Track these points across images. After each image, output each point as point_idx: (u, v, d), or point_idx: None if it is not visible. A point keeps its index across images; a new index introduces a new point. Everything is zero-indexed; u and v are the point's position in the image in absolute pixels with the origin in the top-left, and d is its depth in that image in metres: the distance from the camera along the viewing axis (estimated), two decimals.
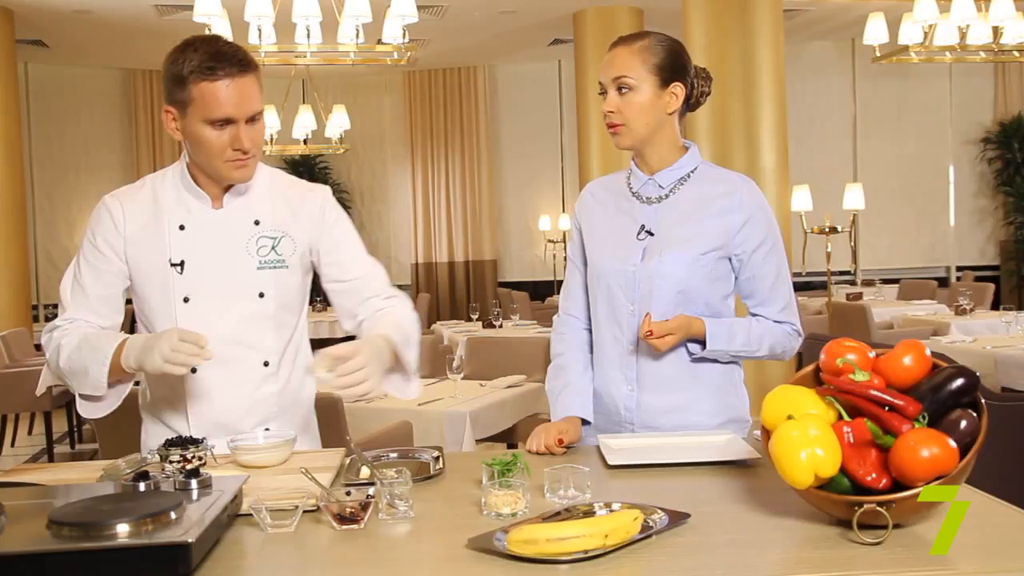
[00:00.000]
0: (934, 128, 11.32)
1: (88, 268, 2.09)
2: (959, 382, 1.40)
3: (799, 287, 9.64)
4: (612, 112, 2.08)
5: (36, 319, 9.42)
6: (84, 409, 2.06)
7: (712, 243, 2.08)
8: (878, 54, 7.51)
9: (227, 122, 1.93)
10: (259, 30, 6.13)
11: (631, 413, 2.13)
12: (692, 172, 2.15)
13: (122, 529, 1.25)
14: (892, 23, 7.38)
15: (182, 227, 2.05)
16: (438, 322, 9.17)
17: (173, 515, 1.32)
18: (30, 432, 7.65)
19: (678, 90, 2.10)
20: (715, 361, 2.13)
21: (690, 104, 2.15)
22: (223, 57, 1.91)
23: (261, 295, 2.06)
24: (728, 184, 2.13)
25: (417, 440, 4.19)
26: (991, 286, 8.76)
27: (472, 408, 4.20)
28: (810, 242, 9.67)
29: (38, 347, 7.80)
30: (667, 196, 2.13)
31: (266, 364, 2.08)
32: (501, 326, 7.51)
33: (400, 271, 12.30)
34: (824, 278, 8.33)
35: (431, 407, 4.27)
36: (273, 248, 2.08)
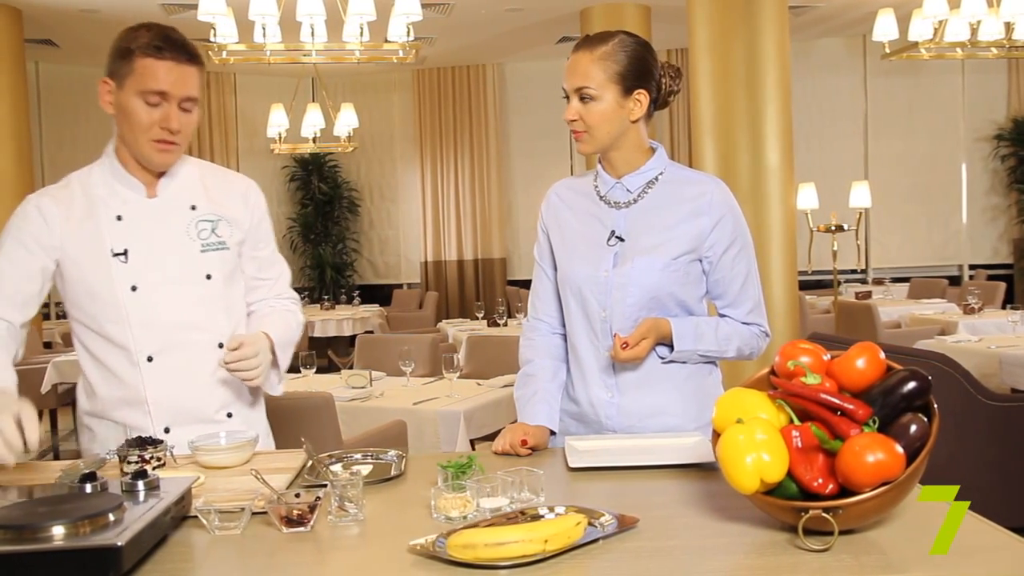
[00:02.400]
0: (946, 125, 11.21)
1: (8, 263, 2.04)
2: (911, 385, 1.37)
3: (806, 285, 9.61)
4: (574, 120, 2.04)
5: (47, 316, 9.49)
6: None
7: (684, 247, 2.06)
8: (888, 51, 7.44)
9: (161, 98, 1.98)
10: (263, 28, 6.14)
11: (612, 421, 2.10)
12: (660, 175, 2.11)
13: (55, 532, 1.24)
14: (902, 19, 7.32)
15: (119, 217, 2.08)
16: (444, 320, 9.17)
17: (112, 517, 1.31)
18: None
19: (642, 97, 2.05)
20: (684, 362, 2.10)
21: (657, 104, 2.11)
22: (172, 43, 1.98)
23: (208, 277, 2.10)
24: (697, 186, 2.10)
25: (412, 439, 4.19)
26: (1002, 285, 8.66)
27: (467, 407, 4.19)
28: (818, 240, 9.62)
29: (46, 345, 7.88)
30: (636, 200, 2.10)
31: (221, 346, 2.10)
32: (506, 324, 7.49)
33: (409, 269, 12.31)
34: (834, 276, 8.28)
35: (426, 406, 4.26)
36: (213, 231, 2.14)
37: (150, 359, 2.05)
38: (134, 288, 2.04)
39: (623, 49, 2.02)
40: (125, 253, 2.05)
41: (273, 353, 2.13)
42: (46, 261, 2.06)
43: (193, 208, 2.13)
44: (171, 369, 2.06)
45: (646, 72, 2.05)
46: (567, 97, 2.05)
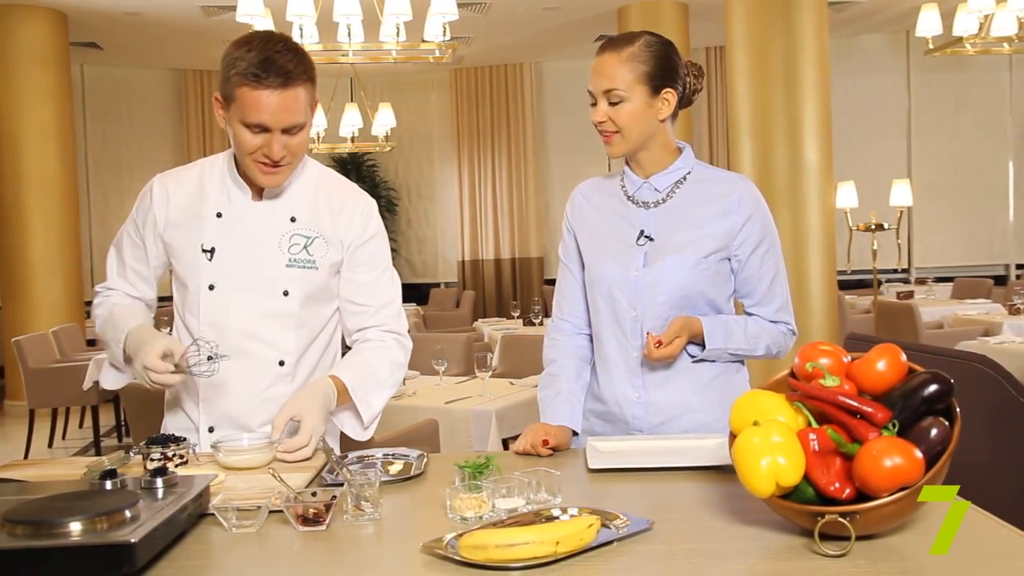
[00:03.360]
0: (992, 122, 11.00)
1: (128, 242, 2.18)
2: (932, 388, 1.34)
3: (846, 285, 9.47)
4: (603, 122, 2.03)
5: (89, 315, 9.65)
6: (107, 378, 2.14)
7: (714, 245, 2.05)
8: (931, 46, 7.31)
9: (262, 129, 1.92)
10: (301, 29, 6.19)
11: (639, 420, 2.09)
12: (688, 174, 2.10)
13: (71, 528, 1.25)
14: (946, 14, 7.18)
15: (219, 215, 2.07)
16: (480, 319, 9.18)
17: (128, 513, 1.32)
18: (81, 425, 7.83)
19: (670, 96, 2.04)
20: (713, 361, 2.09)
21: (682, 103, 2.09)
22: (271, 66, 1.87)
23: (285, 293, 2.05)
24: (726, 184, 2.09)
25: (444, 438, 4.19)
26: None
27: (499, 407, 4.19)
28: (859, 240, 9.47)
29: (90, 343, 8.01)
30: (664, 200, 2.09)
31: (281, 364, 2.08)
32: (542, 323, 7.48)
33: (447, 268, 12.34)
34: (879, 276, 8.15)
35: (458, 405, 4.27)
36: (305, 247, 2.07)
37: (210, 359, 2.05)
38: (211, 287, 2.05)
39: (649, 49, 2.02)
40: (212, 251, 2.05)
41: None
42: (154, 245, 2.13)
43: (292, 220, 2.07)
44: (227, 374, 2.05)
45: (672, 71, 2.04)
46: (594, 101, 2.05)
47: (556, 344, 2.22)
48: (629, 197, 2.12)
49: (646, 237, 2.07)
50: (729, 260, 2.09)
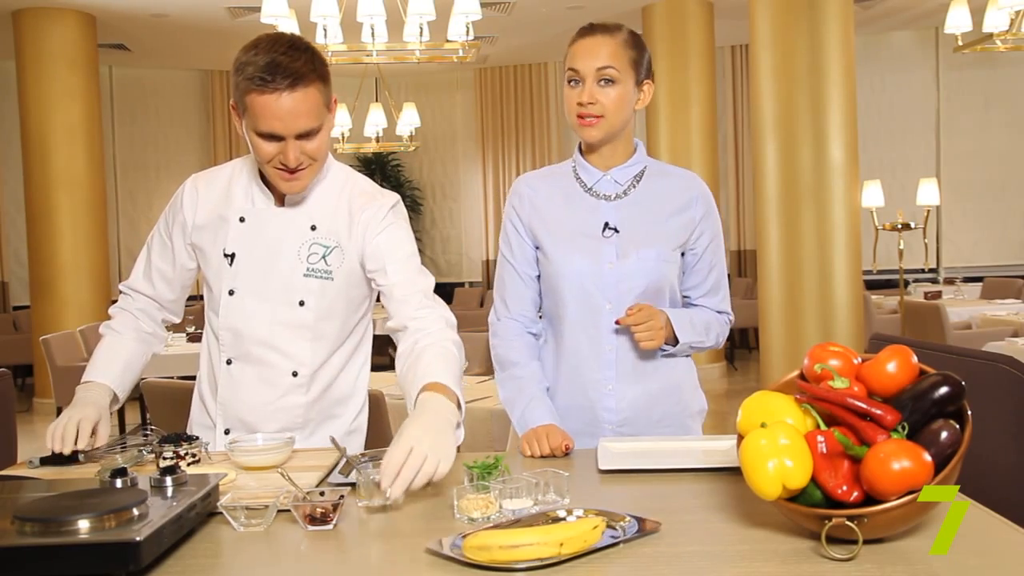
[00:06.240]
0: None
1: (158, 239, 2.18)
2: (943, 390, 1.32)
3: (873, 285, 9.38)
4: (592, 104, 2.04)
5: None
6: None
7: (680, 238, 2.13)
8: (960, 43, 7.22)
9: (276, 137, 1.87)
10: (325, 30, 6.22)
11: (611, 413, 2.12)
12: (644, 169, 2.16)
13: (79, 525, 1.26)
14: (976, 10, 7.09)
15: (242, 219, 2.05)
16: None
17: (135, 512, 1.33)
18: None
19: (647, 88, 2.12)
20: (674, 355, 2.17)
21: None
22: (277, 69, 1.81)
23: (301, 303, 2.02)
24: (682, 179, 2.18)
25: (465, 438, 4.19)
26: None
27: None
28: (886, 239, 9.36)
29: None
30: (626, 193, 2.13)
31: (295, 374, 2.06)
32: None
33: (472, 268, 12.35)
34: (906, 276, 8.06)
35: (479, 405, 4.25)
36: (323, 257, 2.03)
37: (229, 362, 2.07)
38: (231, 292, 2.05)
39: (635, 39, 2.10)
40: (233, 256, 2.04)
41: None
42: (183, 247, 2.13)
43: (313, 228, 2.03)
44: (241, 379, 2.06)
45: (650, 66, 2.14)
46: (574, 81, 2.06)
47: (511, 344, 2.17)
48: (589, 189, 2.14)
49: (612, 229, 2.10)
50: (683, 254, 2.16)
